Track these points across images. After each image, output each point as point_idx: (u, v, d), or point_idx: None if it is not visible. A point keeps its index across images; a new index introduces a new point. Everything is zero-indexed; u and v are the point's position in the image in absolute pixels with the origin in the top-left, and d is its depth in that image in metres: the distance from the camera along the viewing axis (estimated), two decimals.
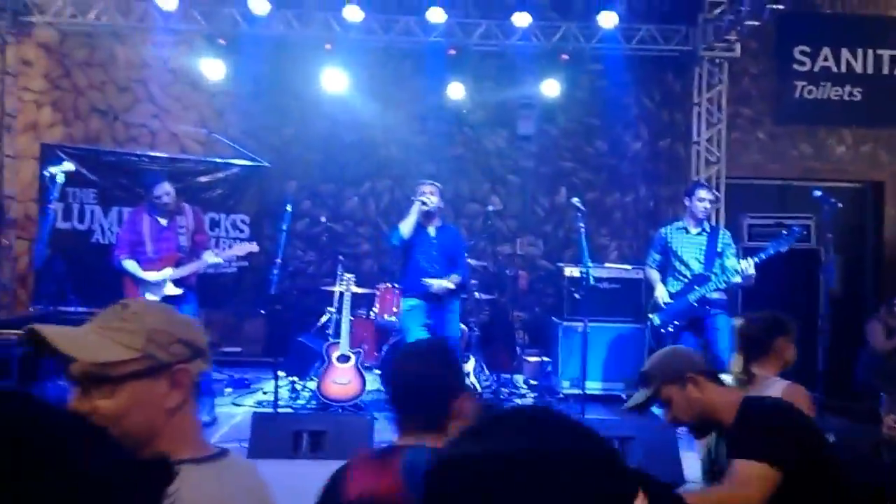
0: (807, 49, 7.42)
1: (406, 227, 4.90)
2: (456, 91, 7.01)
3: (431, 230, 5.08)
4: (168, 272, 4.81)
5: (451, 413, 1.64)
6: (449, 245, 5.15)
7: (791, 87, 7.45)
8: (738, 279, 4.69)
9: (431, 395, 1.65)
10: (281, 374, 5.73)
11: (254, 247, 5.04)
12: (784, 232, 4.68)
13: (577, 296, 5.49)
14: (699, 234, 5.01)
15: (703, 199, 4.98)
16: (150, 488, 0.79)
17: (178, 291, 4.83)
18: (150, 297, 4.76)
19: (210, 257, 4.88)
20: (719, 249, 4.94)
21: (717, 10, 6.92)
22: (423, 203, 4.94)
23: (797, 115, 7.49)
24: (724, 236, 5.05)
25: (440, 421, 1.64)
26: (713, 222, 6.68)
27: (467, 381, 5.10)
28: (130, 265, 4.84)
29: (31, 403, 0.75)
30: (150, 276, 4.80)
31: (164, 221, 4.93)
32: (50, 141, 6.79)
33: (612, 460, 0.73)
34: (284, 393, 5.65)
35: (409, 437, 1.64)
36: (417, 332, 4.88)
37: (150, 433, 1.18)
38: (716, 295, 4.87)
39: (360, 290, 5.89)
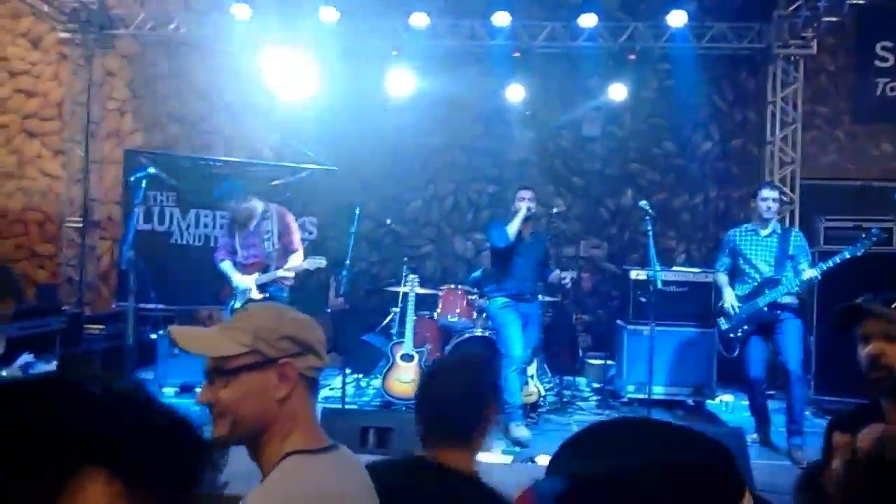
0: (889, 44, 7.10)
1: (512, 230, 4.96)
2: (518, 93, 6.99)
3: (526, 235, 5.10)
4: (255, 277, 4.96)
5: (480, 428, 1.67)
6: (540, 250, 5.22)
7: (872, 84, 7.13)
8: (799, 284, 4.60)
9: (463, 411, 1.66)
10: (346, 371, 5.87)
11: (322, 262, 5.09)
12: (862, 235, 4.47)
13: (643, 299, 5.41)
14: (769, 235, 4.84)
15: (766, 199, 4.81)
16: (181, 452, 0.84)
17: (260, 296, 4.92)
18: (240, 297, 4.96)
19: (281, 272, 4.96)
20: (791, 252, 4.76)
21: (793, 7, 6.69)
22: (529, 209, 4.98)
23: (878, 113, 7.16)
24: (797, 238, 4.87)
25: (469, 435, 1.66)
26: (786, 224, 6.47)
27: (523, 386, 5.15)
28: (226, 266, 5.03)
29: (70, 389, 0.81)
30: (237, 279, 4.98)
31: (251, 226, 5.05)
32: (131, 146, 7.15)
33: (726, 461, 0.74)
34: (350, 390, 5.78)
35: (434, 451, 1.65)
36: (514, 325, 4.94)
37: (263, 422, 1.29)
38: (787, 299, 4.70)
39: (423, 291, 5.97)
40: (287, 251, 5.04)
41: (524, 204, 4.97)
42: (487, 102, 7.38)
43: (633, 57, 6.92)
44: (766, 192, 4.88)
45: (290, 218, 5.19)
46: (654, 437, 0.74)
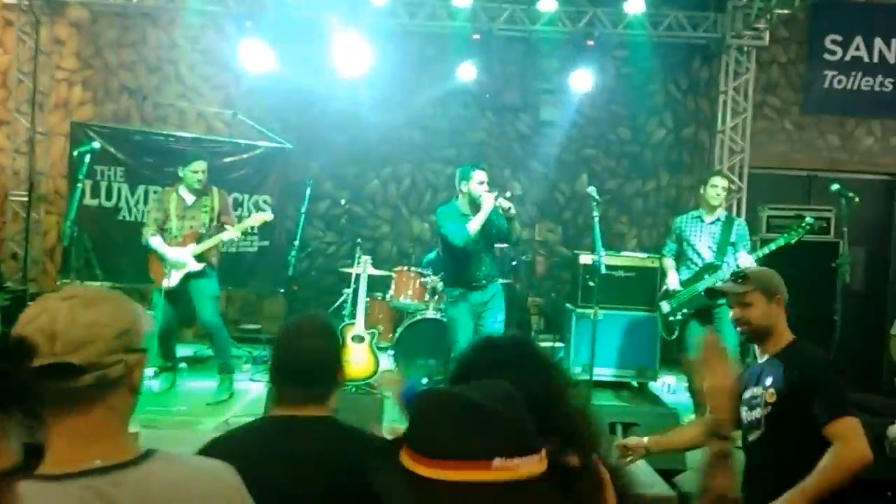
0: (838, 38, 7.27)
1: (475, 228, 4.54)
2: (469, 71, 6.91)
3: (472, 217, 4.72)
4: (191, 248, 4.98)
5: (333, 387, 1.76)
6: (491, 226, 4.72)
7: (821, 76, 7.31)
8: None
9: (325, 371, 1.75)
10: None
11: (268, 216, 5.18)
12: (797, 224, 4.65)
13: (591, 283, 5.51)
14: (713, 222, 4.99)
15: (716, 186, 4.95)
16: None
17: (199, 266, 5.00)
18: (174, 273, 4.93)
19: (228, 233, 5.03)
20: (733, 240, 4.91)
21: None
22: (496, 199, 4.55)
23: (826, 105, 7.36)
24: (740, 227, 5.02)
25: (328, 392, 1.74)
26: (733, 212, 6.64)
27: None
28: (156, 241, 5.01)
29: None
30: (172, 252, 4.95)
31: (189, 201, 5.08)
32: (80, 118, 6.97)
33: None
34: None
35: (288, 409, 1.71)
36: (462, 321, 4.74)
37: None
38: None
39: (377, 272, 5.99)
40: (222, 230, 5.08)
41: (488, 193, 4.56)
42: (447, 83, 7.37)
43: (591, 43, 6.96)
44: (716, 181, 5.02)
45: (229, 200, 5.31)
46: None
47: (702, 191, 5.10)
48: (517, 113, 7.55)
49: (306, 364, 1.73)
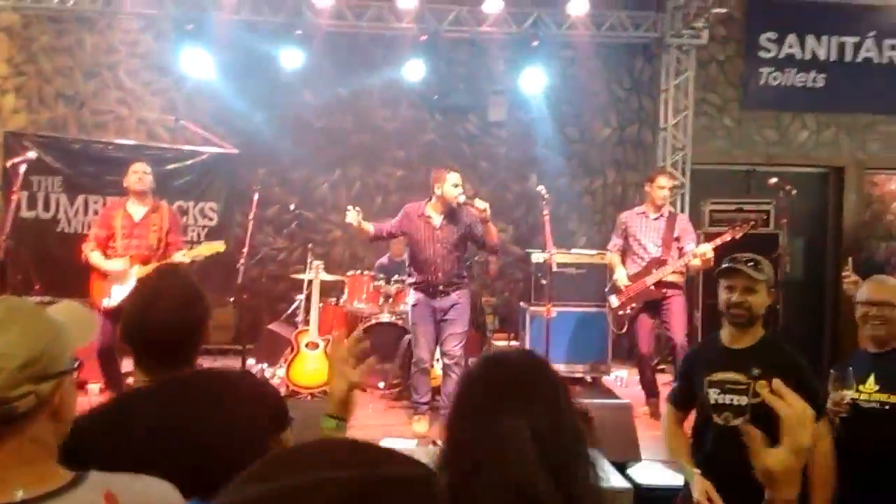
0: (773, 36, 7.53)
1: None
2: (416, 71, 6.91)
3: (440, 221, 4.67)
4: (135, 269, 4.64)
5: (197, 346, 1.66)
6: (456, 235, 4.68)
7: (757, 73, 7.56)
8: (697, 262, 4.78)
9: (189, 334, 1.63)
10: (250, 361, 5.78)
11: (220, 246, 4.91)
12: (741, 220, 4.81)
13: (543, 281, 5.58)
14: (657, 219, 5.12)
15: (662, 187, 5.08)
16: None
17: None
18: (117, 289, 4.63)
19: (178, 258, 4.68)
20: (676, 234, 5.05)
21: None
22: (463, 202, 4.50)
23: (762, 101, 7.61)
24: (682, 221, 5.18)
25: (192, 355, 1.66)
26: (677, 207, 6.82)
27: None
28: (96, 257, 4.69)
29: None
30: (113, 264, 4.66)
31: (137, 217, 4.78)
32: (14, 127, 6.70)
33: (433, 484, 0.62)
34: None
35: (153, 375, 1.60)
36: (422, 325, 4.69)
37: None
38: (672, 277, 5.00)
39: (329, 277, 5.94)
40: (168, 250, 4.77)
41: (458, 194, 4.50)
42: (395, 86, 7.36)
43: (536, 44, 7.05)
44: (662, 181, 5.15)
45: (179, 219, 5.08)
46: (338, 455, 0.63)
47: (647, 188, 5.22)
48: (466, 114, 7.59)
49: (157, 338, 1.59)
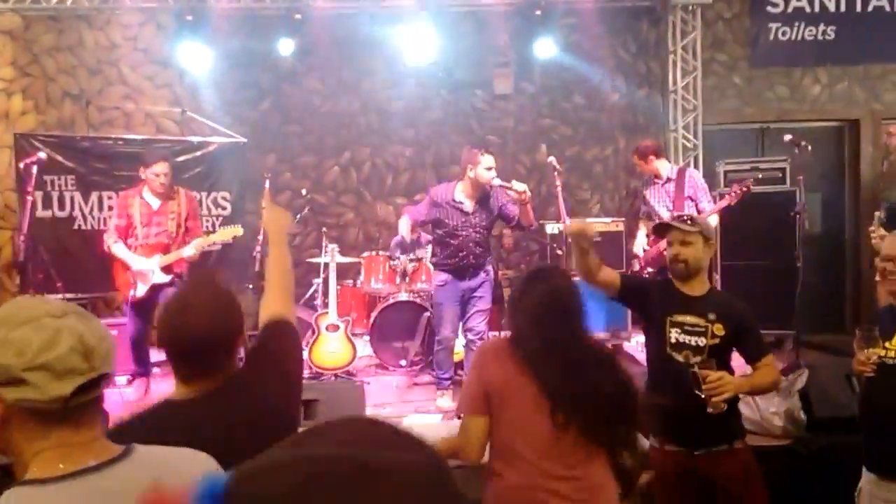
0: None
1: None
2: (429, 51, 6.87)
3: (471, 204, 4.59)
4: (156, 259, 4.70)
5: (234, 353, 1.67)
6: (487, 218, 4.65)
7: (765, 29, 7.42)
8: None
9: (222, 347, 1.63)
10: None
11: (238, 230, 4.90)
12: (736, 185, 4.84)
13: (559, 252, 5.56)
14: (665, 183, 5.12)
15: (661, 166, 5.16)
16: None
17: (165, 279, 4.70)
18: (141, 284, 4.72)
19: (189, 249, 4.67)
20: (688, 193, 5.01)
21: None
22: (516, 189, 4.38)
23: (772, 58, 7.47)
24: (692, 179, 5.15)
25: (226, 367, 1.65)
26: (690, 165, 6.75)
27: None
28: (120, 250, 4.72)
29: None
30: (138, 262, 4.70)
31: (155, 206, 4.79)
32: (23, 129, 6.73)
33: (440, 474, 0.62)
34: None
35: (191, 387, 1.62)
36: (448, 305, 4.67)
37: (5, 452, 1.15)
38: None
39: (345, 260, 5.96)
40: (188, 236, 4.79)
41: (491, 175, 4.42)
42: (398, 64, 7.30)
43: (538, 13, 6.95)
44: (661, 164, 5.19)
45: (197, 204, 5.04)
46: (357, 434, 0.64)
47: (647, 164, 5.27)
48: (472, 88, 7.52)
49: (192, 347, 1.60)
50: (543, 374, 2.10)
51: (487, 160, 4.50)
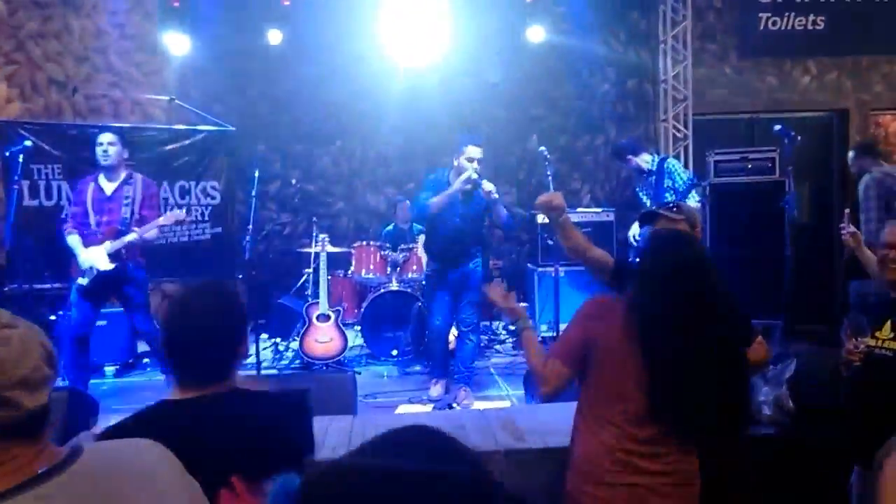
0: None
1: (439, 204, 4.40)
2: (419, 42, 6.85)
3: (461, 193, 4.51)
4: (105, 247, 4.44)
5: (235, 362, 1.62)
6: (478, 207, 4.60)
7: (755, 19, 7.42)
8: None
9: (220, 351, 1.58)
10: (263, 336, 5.82)
11: (181, 214, 4.69)
12: (695, 183, 4.88)
13: (549, 242, 5.57)
14: (648, 174, 5.19)
15: (647, 160, 5.18)
16: None
17: (111, 266, 4.42)
18: (88, 272, 4.46)
19: (132, 236, 4.43)
20: (667, 184, 5.05)
21: None
22: (468, 181, 4.32)
23: (762, 48, 7.48)
24: (669, 165, 5.18)
25: (226, 372, 1.60)
26: (681, 160, 6.77)
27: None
28: (73, 241, 4.51)
29: None
30: (84, 253, 4.45)
31: (108, 191, 4.55)
32: (8, 117, 6.65)
33: (484, 484, 0.72)
34: (268, 354, 5.74)
35: (190, 391, 1.58)
36: (438, 294, 4.66)
37: None
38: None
39: (335, 250, 5.94)
40: (144, 224, 4.52)
41: (469, 169, 4.33)
42: (389, 52, 7.26)
43: (530, 1, 6.92)
44: (645, 157, 5.22)
45: (157, 191, 4.75)
46: (409, 449, 0.73)
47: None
48: (463, 77, 7.48)
49: (196, 346, 1.57)
50: (652, 348, 1.94)
51: (469, 150, 4.47)
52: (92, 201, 4.53)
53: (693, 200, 4.98)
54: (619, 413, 1.97)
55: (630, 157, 5.19)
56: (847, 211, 3.57)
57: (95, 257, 4.43)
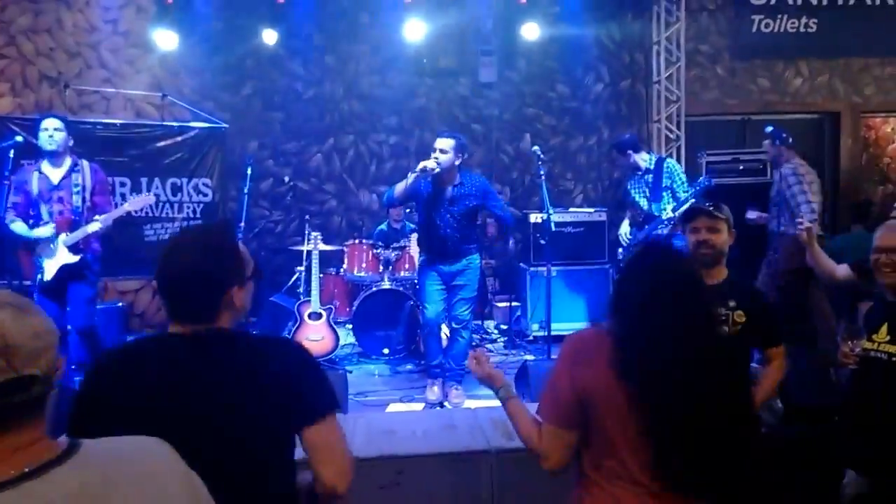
0: None
1: (398, 190, 4.41)
2: (413, 34, 6.84)
3: (448, 187, 4.46)
4: (63, 237, 4.33)
5: (221, 305, 1.60)
6: (465, 205, 4.51)
7: (748, 21, 7.45)
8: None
9: (201, 288, 1.58)
10: (254, 333, 5.79)
11: (150, 198, 4.67)
12: (701, 183, 4.87)
13: (541, 241, 5.59)
14: (644, 173, 5.19)
15: (644, 159, 5.20)
16: None
17: (74, 258, 4.34)
18: (47, 263, 4.37)
19: (94, 225, 4.32)
20: (665, 184, 5.07)
21: None
22: (424, 171, 4.25)
23: (755, 49, 7.52)
24: (668, 167, 5.18)
25: (210, 312, 1.60)
26: (672, 156, 6.80)
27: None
28: (18, 227, 4.35)
29: None
30: (40, 231, 4.33)
31: (55, 179, 4.40)
32: (0, 112, 6.61)
33: None
34: None
35: (179, 326, 1.60)
36: (429, 287, 4.61)
37: None
38: (666, 230, 5.03)
39: (328, 248, 5.93)
40: (96, 212, 4.40)
41: (431, 160, 4.29)
42: (382, 51, 7.27)
43: (524, 1, 6.94)
44: (643, 155, 5.24)
45: (105, 177, 4.61)
46: None
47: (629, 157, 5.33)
48: (456, 76, 7.50)
49: (181, 283, 1.58)
50: (645, 387, 1.66)
51: (437, 142, 4.42)
52: (38, 190, 4.38)
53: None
54: (629, 464, 1.69)
55: (630, 152, 5.21)
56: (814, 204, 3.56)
57: (57, 248, 4.31)
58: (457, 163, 4.45)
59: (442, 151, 4.36)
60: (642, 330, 1.70)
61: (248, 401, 1.53)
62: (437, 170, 4.31)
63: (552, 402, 1.81)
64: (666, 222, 4.98)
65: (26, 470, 1.02)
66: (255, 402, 1.53)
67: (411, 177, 4.35)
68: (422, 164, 4.30)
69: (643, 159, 5.24)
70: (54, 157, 4.42)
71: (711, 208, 2.82)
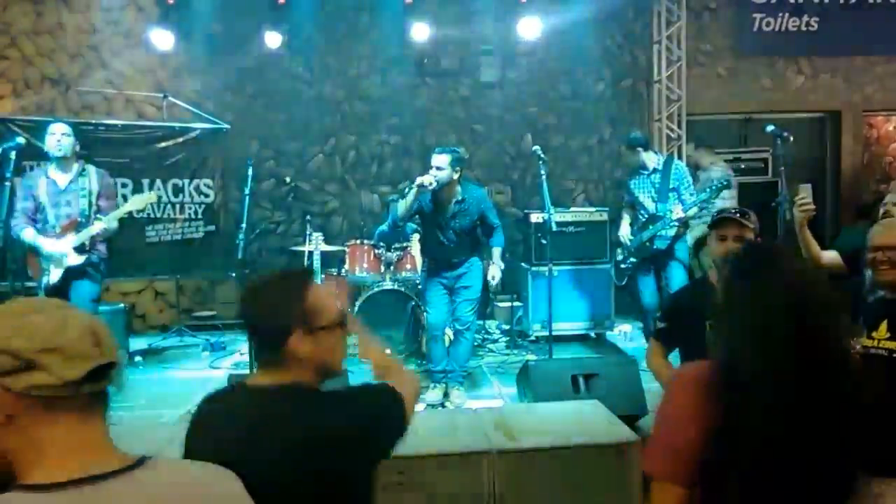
0: None
1: (401, 210, 4.48)
2: (416, 35, 6.85)
3: (449, 203, 4.49)
4: (70, 240, 4.39)
5: (285, 352, 1.54)
6: (467, 221, 4.55)
7: (749, 19, 7.45)
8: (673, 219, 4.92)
9: (263, 333, 1.58)
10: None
11: (152, 197, 4.75)
12: (714, 184, 4.84)
13: (543, 241, 5.59)
14: (652, 172, 5.15)
15: (649, 157, 5.18)
16: None
17: (80, 259, 4.40)
18: (54, 269, 4.43)
19: (98, 226, 4.38)
20: (672, 185, 5.05)
21: None
22: (422, 186, 4.28)
23: (756, 48, 7.51)
24: (677, 169, 5.16)
25: (276, 359, 1.56)
26: (675, 155, 6.79)
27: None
28: (28, 234, 4.41)
29: None
30: (49, 244, 4.39)
31: (62, 184, 4.46)
32: (1, 113, 6.62)
33: None
34: None
35: (259, 375, 1.60)
36: (432, 293, 4.69)
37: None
38: (671, 231, 5.02)
39: (329, 248, 5.93)
40: (102, 215, 4.47)
41: (428, 176, 4.31)
42: (384, 52, 7.27)
43: (524, 1, 6.93)
44: (647, 154, 5.21)
45: (111, 181, 4.69)
46: None
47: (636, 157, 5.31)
48: (457, 76, 7.50)
49: (245, 328, 1.62)
50: (759, 428, 1.37)
51: (434, 159, 4.42)
52: (47, 195, 4.43)
53: (722, 201, 5.00)
54: None
55: (640, 149, 5.19)
56: (810, 184, 3.58)
57: (62, 250, 4.37)
58: (455, 177, 4.45)
59: (438, 168, 4.37)
60: (752, 360, 1.41)
61: (312, 460, 1.47)
62: (435, 185, 4.34)
63: (662, 452, 1.47)
64: (673, 223, 4.97)
65: (99, 471, 1.04)
66: (321, 462, 1.48)
67: (410, 193, 4.40)
68: (419, 180, 4.33)
69: (651, 159, 5.22)
70: (62, 161, 4.47)
71: (740, 216, 2.80)
